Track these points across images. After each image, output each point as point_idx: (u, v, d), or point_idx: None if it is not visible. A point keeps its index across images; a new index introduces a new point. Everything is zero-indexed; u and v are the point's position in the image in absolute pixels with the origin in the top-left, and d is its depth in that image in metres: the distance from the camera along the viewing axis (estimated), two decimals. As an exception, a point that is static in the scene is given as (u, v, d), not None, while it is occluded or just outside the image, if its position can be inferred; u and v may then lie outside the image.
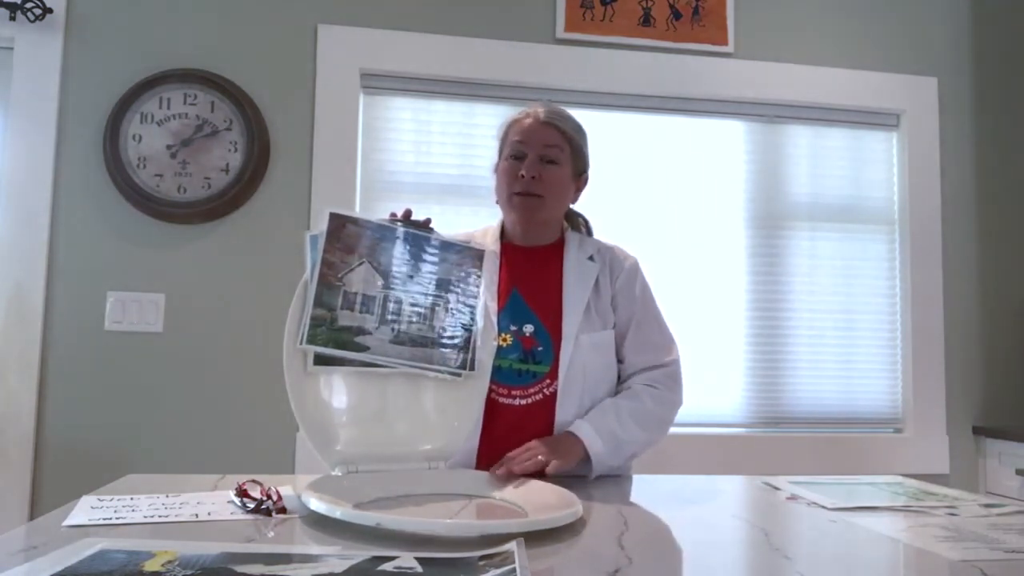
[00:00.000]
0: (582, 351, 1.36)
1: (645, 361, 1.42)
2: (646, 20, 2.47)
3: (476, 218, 2.29)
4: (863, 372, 2.54)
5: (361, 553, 0.74)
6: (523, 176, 1.37)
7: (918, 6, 2.64)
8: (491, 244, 1.43)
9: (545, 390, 1.34)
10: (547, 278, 1.42)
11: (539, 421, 1.33)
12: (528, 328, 1.37)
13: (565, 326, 1.36)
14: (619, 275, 1.44)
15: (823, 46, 2.57)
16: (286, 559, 0.72)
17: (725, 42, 2.50)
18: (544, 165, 1.38)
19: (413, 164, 2.37)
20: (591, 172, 1.50)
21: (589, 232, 1.56)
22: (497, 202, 1.48)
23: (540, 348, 1.36)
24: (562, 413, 1.33)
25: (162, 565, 0.68)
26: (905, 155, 2.58)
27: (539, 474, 1.18)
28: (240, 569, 0.67)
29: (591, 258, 1.44)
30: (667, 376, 1.41)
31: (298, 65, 2.29)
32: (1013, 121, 2.65)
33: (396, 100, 2.38)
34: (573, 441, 1.28)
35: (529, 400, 1.34)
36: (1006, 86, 2.66)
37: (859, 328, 2.55)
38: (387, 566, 0.70)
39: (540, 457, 1.20)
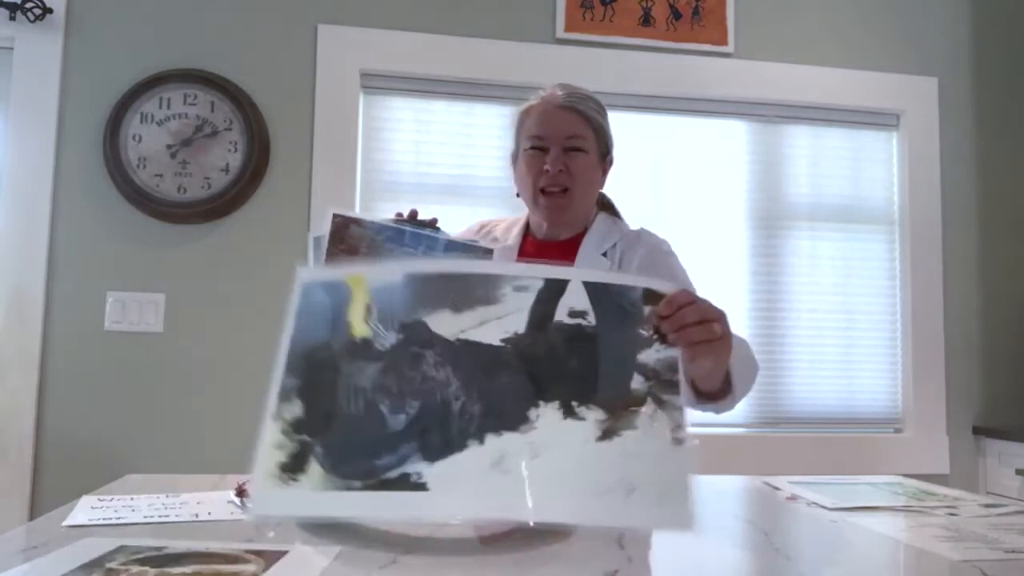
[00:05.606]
0: None
1: None
2: (646, 20, 2.47)
3: (476, 218, 2.27)
4: (863, 372, 2.53)
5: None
6: (547, 171, 1.30)
7: (918, 6, 2.63)
8: (514, 238, 1.41)
9: None
10: None
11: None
12: None
13: None
14: (634, 258, 1.35)
15: (823, 46, 2.57)
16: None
17: (725, 42, 2.50)
18: (568, 154, 1.31)
19: (413, 164, 2.37)
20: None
21: (615, 212, 1.47)
22: (518, 195, 1.43)
23: None
24: None
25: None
26: (905, 155, 2.58)
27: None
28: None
29: (604, 254, 1.38)
30: None
31: (298, 65, 2.29)
32: (1013, 121, 2.65)
33: (396, 100, 2.38)
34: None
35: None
36: (1006, 86, 2.66)
37: (859, 328, 2.54)
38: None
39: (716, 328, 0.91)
